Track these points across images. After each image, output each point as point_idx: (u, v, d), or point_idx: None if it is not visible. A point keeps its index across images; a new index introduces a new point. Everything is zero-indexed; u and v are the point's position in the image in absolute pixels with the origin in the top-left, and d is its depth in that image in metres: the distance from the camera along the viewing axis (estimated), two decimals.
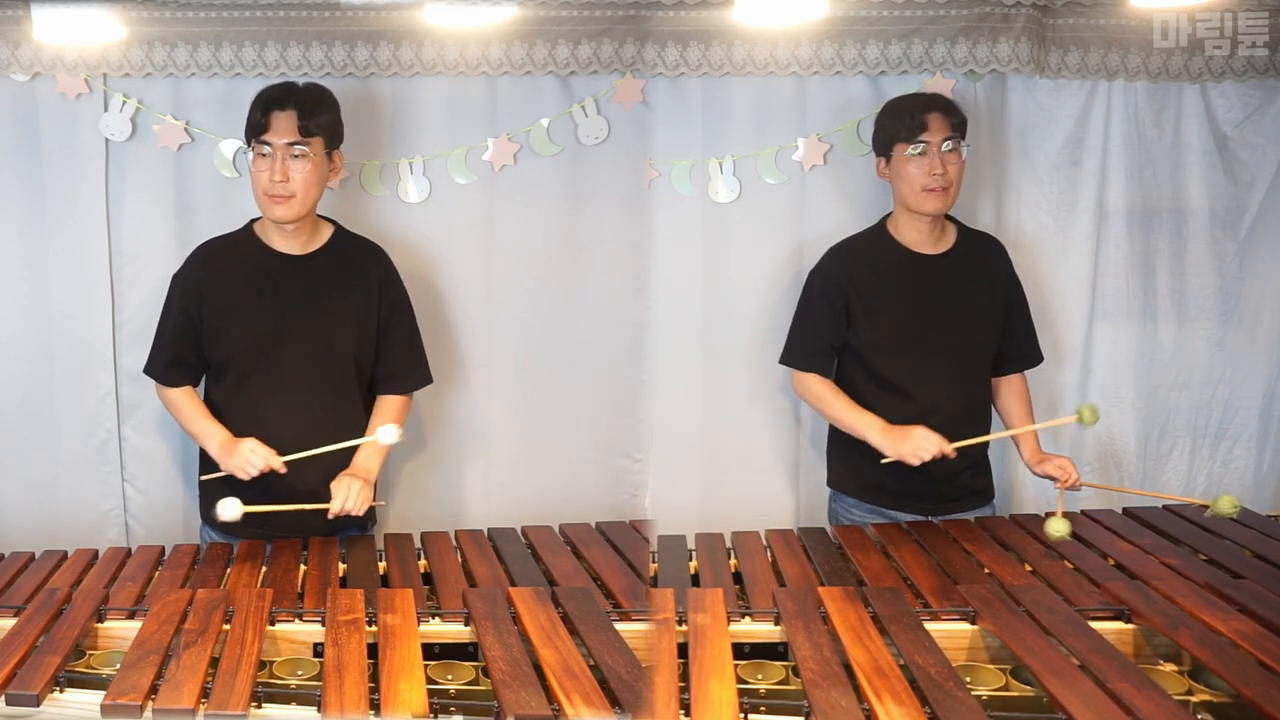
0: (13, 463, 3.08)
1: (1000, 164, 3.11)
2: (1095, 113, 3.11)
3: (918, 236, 2.81)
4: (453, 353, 3.11)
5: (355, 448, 2.65)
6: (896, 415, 2.78)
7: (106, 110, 2.95)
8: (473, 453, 3.18)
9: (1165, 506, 2.83)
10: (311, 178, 2.59)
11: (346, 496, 2.55)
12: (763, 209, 3.09)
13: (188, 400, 2.73)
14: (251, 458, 2.55)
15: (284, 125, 2.57)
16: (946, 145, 2.71)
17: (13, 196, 2.98)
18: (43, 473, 3.08)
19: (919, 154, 2.71)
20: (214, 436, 2.64)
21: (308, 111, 2.58)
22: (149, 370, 2.76)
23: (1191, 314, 3.23)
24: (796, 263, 3.08)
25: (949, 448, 2.65)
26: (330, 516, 2.55)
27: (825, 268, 2.87)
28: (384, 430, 2.62)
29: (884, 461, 2.70)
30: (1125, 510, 2.82)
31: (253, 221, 2.74)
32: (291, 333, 2.66)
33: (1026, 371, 2.95)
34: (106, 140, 2.96)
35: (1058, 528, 2.49)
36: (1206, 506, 2.57)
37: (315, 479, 2.60)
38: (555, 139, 3.06)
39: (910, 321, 2.79)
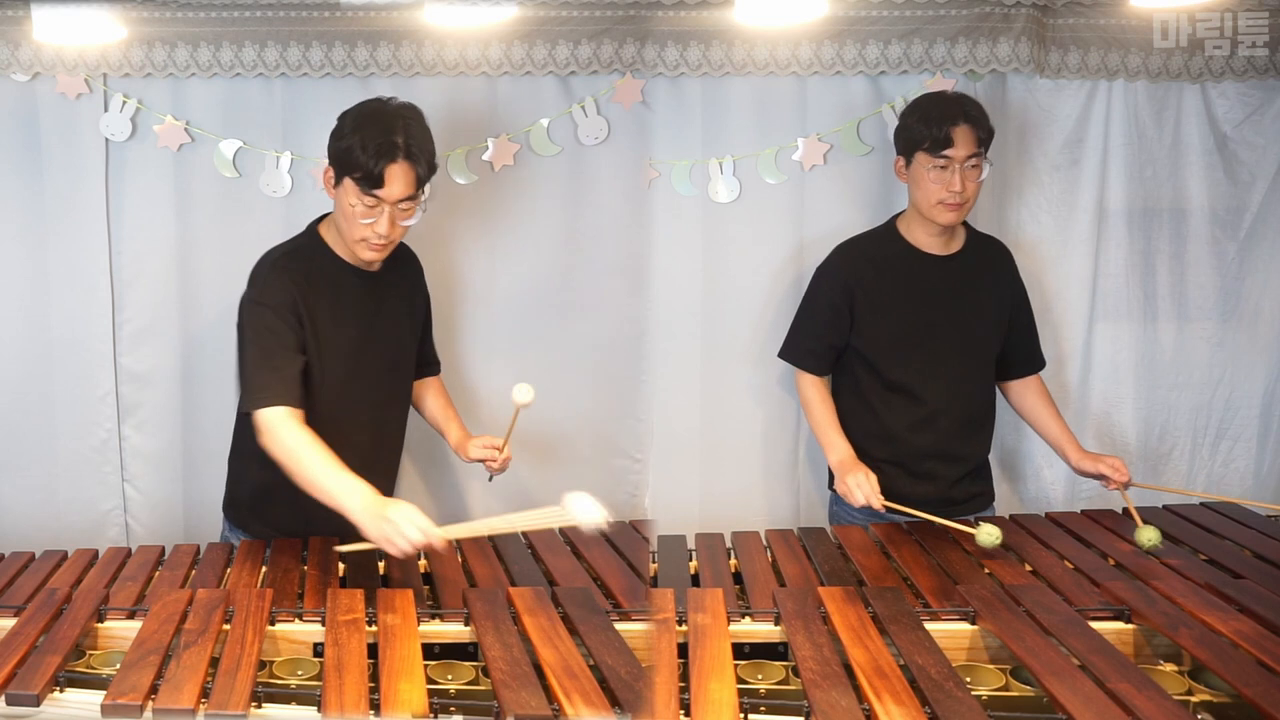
0: (13, 463, 3.08)
1: (1000, 164, 3.10)
2: (1095, 113, 3.11)
3: (928, 238, 2.80)
4: (452, 352, 3.10)
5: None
6: (903, 416, 2.78)
7: (106, 110, 2.95)
8: None
9: (1165, 506, 2.84)
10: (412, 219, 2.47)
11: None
12: (763, 209, 3.09)
13: (313, 444, 2.29)
14: (408, 530, 2.11)
15: (400, 179, 2.37)
16: (970, 162, 2.67)
17: (13, 196, 2.98)
18: (43, 473, 3.08)
19: (941, 168, 2.67)
20: (356, 494, 2.20)
21: (418, 159, 2.38)
22: (271, 401, 2.34)
23: (1191, 314, 3.23)
24: (796, 263, 3.08)
25: (878, 502, 2.62)
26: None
27: (831, 266, 2.86)
28: (520, 389, 2.61)
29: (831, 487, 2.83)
30: (1125, 510, 2.82)
31: (316, 225, 2.58)
32: (374, 342, 2.60)
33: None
34: (106, 140, 2.96)
35: (1149, 536, 2.48)
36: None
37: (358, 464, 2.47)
38: (555, 139, 3.06)
39: (916, 321, 2.79)
